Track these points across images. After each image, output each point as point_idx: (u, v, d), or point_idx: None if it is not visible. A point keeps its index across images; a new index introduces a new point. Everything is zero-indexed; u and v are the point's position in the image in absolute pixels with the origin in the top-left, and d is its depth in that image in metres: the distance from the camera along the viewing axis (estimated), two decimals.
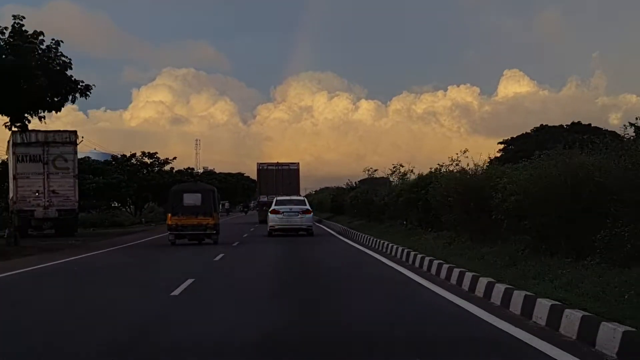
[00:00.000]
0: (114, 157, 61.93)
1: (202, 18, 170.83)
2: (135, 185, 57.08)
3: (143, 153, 61.74)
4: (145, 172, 61.25)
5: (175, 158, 64.46)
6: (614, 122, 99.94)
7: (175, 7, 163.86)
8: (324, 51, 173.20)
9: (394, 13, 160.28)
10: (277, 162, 48.74)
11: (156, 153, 62.68)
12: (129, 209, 61.83)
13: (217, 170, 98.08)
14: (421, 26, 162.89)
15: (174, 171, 66.24)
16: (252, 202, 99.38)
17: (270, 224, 31.47)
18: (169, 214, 25.93)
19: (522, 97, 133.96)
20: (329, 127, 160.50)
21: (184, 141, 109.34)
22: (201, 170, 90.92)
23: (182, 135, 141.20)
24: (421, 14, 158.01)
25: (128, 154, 61.65)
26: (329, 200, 61.72)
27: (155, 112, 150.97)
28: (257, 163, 48.89)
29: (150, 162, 62.43)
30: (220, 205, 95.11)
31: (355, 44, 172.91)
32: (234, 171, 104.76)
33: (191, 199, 25.67)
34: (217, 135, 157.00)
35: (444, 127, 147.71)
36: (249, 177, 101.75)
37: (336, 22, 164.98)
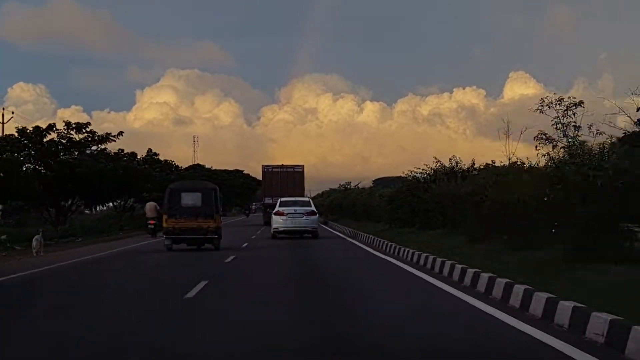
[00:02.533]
0: (21, 130, 38.29)
1: (208, 18, 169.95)
2: (51, 174, 37.88)
3: (68, 124, 39.58)
4: (71, 153, 39.71)
5: (121, 133, 42.38)
6: (622, 124, 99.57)
7: (180, 6, 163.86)
8: (329, 53, 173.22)
9: (399, 15, 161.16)
10: (282, 164, 49.02)
11: (88, 124, 40.64)
12: (46, 214, 40.83)
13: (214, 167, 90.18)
14: (426, 28, 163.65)
15: (138, 158, 49.02)
16: (254, 203, 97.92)
17: (274, 226, 30.84)
18: (165, 216, 23.45)
19: (529, 99, 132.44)
20: (333, 129, 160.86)
21: (188, 143, 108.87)
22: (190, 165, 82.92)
23: (186, 137, 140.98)
24: (426, 15, 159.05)
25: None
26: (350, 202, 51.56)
27: (159, 113, 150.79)
28: (262, 165, 49.35)
29: (82, 140, 40.26)
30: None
31: (361, 45, 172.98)
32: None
33: (190, 198, 23.18)
34: (221, 137, 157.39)
35: (450, 129, 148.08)
36: (248, 174, 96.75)
37: (342, 23, 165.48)
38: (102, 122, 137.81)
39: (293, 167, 48.62)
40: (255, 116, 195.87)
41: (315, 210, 31.87)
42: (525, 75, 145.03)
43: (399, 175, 38.33)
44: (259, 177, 73.66)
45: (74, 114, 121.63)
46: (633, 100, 10.75)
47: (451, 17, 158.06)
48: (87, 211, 55.11)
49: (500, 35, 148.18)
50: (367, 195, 46.03)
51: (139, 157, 49.77)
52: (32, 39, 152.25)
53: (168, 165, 57.92)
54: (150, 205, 34.13)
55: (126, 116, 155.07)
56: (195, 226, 22.84)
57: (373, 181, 57.54)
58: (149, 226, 33.31)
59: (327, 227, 44.12)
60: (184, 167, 72.96)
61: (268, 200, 45.18)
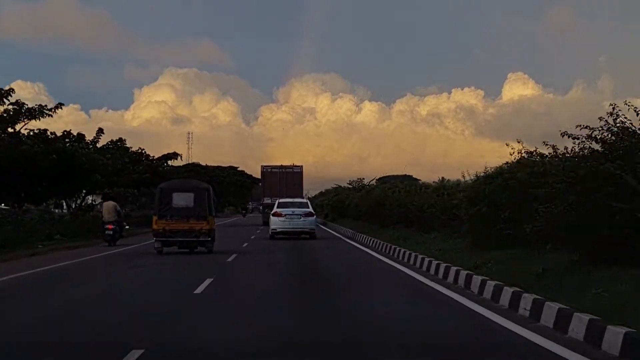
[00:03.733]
0: None
1: (206, 16, 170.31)
2: None
3: None
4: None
5: (61, 105, 32.25)
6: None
7: (178, 4, 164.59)
8: (328, 52, 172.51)
9: (398, 15, 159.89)
10: (281, 165, 49.67)
11: (10, 92, 30.56)
12: None
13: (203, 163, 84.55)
14: (425, 28, 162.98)
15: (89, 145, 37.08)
16: (252, 202, 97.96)
17: (272, 227, 31.12)
18: (155, 217, 22.28)
19: (528, 100, 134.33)
20: (332, 129, 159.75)
21: (186, 142, 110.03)
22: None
23: (185, 136, 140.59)
24: (425, 15, 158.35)
25: None
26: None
27: (157, 112, 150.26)
28: (262, 165, 49.94)
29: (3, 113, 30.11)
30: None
31: (359, 45, 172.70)
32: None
33: (182, 199, 22.22)
34: (219, 136, 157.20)
35: (448, 130, 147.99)
36: (243, 171, 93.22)
37: (340, 23, 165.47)
38: (100, 120, 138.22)
39: (292, 167, 49.32)
40: (253, 115, 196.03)
41: (313, 211, 32.28)
42: (523, 76, 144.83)
43: (403, 174, 38.22)
44: (256, 175, 75.31)
45: (72, 112, 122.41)
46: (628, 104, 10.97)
47: (450, 17, 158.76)
48: (55, 210, 44.06)
49: (499, 36, 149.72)
50: (406, 193, 30.45)
51: (88, 139, 37.29)
52: (30, 36, 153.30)
53: (138, 155, 45.79)
54: (108, 206, 27.94)
55: (124, 115, 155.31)
56: (187, 228, 21.91)
57: (377, 180, 57.70)
58: (107, 232, 27.19)
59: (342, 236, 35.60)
60: (179, 165, 65.42)
61: (267, 201, 45.67)
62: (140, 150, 46.11)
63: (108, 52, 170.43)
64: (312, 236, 30.92)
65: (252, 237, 33.15)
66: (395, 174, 43.74)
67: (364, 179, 59.25)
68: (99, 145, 38.36)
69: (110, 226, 27.23)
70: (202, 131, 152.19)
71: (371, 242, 26.81)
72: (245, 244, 27.31)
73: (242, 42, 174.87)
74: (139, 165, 44.55)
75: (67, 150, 32.87)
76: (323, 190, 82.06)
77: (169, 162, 49.43)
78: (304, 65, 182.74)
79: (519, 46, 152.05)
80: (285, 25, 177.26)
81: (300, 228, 30.99)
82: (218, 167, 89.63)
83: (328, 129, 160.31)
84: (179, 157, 46.45)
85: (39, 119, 31.17)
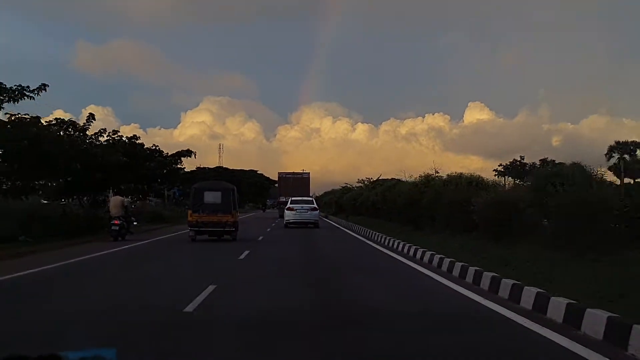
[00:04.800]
0: None
1: (237, 53, 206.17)
2: None
3: None
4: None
5: (45, 86, 25.43)
6: (556, 144, 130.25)
7: (215, 43, 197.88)
8: (330, 85, 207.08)
9: (386, 56, 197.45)
10: (293, 172, 58.51)
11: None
12: None
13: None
14: (405, 66, 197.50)
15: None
16: (269, 200, 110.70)
17: (286, 218, 37.11)
18: (190, 211, 24.79)
19: (484, 123, 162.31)
20: (332, 145, 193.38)
21: (223, 155, 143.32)
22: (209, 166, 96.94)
23: (219, 148, 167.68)
24: (406, 55, 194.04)
25: None
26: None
27: (199, 130, 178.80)
28: (278, 172, 58.85)
29: None
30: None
31: (354, 79, 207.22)
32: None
33: (211, 197, 24.49)
34: (246, 149, 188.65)
35: (422, 146, 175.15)
36: (262, 174, 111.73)
37: (340, 62, 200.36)
38: (154, 136, 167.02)
39: (301, 173, 57.90)
40: (272, 134, 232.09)
41: (317, 207, 38.67)
42: (481, 104, 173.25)
43: (391, 177, 44.51)
44: (273, 178, 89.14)
45: (133, 130, 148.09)
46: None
47: (424, 57, 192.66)
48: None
49: (462, 72, 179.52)
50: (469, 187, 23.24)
51: (81, 124, 31.68)
52: (100, 69, 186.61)
53: (151, 151, 40.77)
54: (115, 201, 26.48)
55: (173, 132, 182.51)
56: (216, 220, 24.22)
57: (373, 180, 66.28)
58: (113, 227, 25.61)
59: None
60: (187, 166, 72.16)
61: (282, 199, 52.94)
62: (154, 147, 41.27)
63: (160, 82, 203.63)
64: (316, 225, 36.95)
65: (272, 225, 39.04)
66: (385, 177, 52.57)
67: (380, 175, 54.76)
68: (89, 132, 32.60)
69: (117, 221, 25.70)
70: (232, 145, 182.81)
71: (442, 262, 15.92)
72: (268, 229, 33.83)
73: (264, 75, 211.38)
74: (152, 161, 40.46)
75: (41, 134, 26.90)
76: (328, 190, 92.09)
77: (182, 160, 43.32)
78: (312, 95, 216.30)
79: (477, 80, 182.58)
80: (298, 62, 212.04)
81: (307, 219, 37.09)
82: (241, 170, 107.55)
83: (330, 144, 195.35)
84: (193, 155, 41.98)
85: (17, 102, 25.25)
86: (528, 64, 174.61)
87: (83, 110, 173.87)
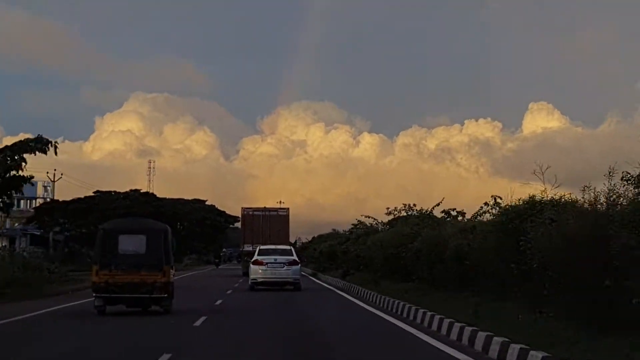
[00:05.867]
0: None
1: (180, 33, 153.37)
2: None
3: None
4: None
5: None
6: None
7: (146, 18, 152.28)
8: (322, 77, 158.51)
9: (404, 36, 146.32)
10: (265, 207, 49.55)
11: None
12: None
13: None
14: (434, 49, 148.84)
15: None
16: (227, 249, 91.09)
17: (252, 276, 30.87)
18: (95, 266, 19.47)
19: (553, 133, 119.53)
20: (325, 165, 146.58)
21: (155, 177, 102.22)
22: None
23: (153, 170, 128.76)
24: (434, 35, 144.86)
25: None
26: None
27: (122, 143, 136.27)
28: (242, 208, 49.36)
29: None
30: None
31: (358, 70, 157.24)
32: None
33: (130, 243, 19.53)
34: (193, 172, 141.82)
35: (460, 167, 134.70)
36: (214, 206, 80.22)
37: (337, 44, 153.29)
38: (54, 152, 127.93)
39: (277, 210, 49.29)
40: (233, 149, 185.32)
41: (297, 259, 32.55)
42: (547, 106, 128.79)
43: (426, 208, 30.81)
44: (234, 214, 67.48)
45: None
46: None
47: (463, 38, 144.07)
48: None
49: (520, 60, 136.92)
50: None
51: None
52: None
53: None
54: None
55: (83, 146, 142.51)
56: (138, 281, 19.09)
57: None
58: None
59: None
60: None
61: (248, 248, 44.50)
62: None
63: (65, 72, 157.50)
64: (297, 287, 30.62)
65: (236, 285, 32.64)
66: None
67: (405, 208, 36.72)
68: None
69: None
70: (173, 166, 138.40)
71: None
72: (219, 301, 24.55)
73: (221, 62, 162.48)
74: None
75: None
76: (325, 234, 69.56)
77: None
78: (295, 91, 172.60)
79: (542, 72, 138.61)
80: (274, 46, 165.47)
81: (284, 278, 30.79)
82: (179, 200, 75.12)
83: (320, 165, 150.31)
84: (29, 182, 31.19)
85: None
86: (620, 46, 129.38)
87: None
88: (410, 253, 24.51)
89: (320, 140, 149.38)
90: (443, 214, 28.67)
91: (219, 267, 69.51)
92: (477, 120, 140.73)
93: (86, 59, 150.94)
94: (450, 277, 20.26)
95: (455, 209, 28.32)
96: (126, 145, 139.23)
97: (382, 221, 39.53)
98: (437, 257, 21.23)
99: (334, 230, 59.39)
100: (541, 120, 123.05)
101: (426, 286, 22.69)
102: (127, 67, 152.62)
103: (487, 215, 20.32)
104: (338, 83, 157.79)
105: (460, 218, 26.91)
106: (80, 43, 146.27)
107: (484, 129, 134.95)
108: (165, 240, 19.60)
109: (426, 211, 30.62)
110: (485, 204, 20.23)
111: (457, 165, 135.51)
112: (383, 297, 22.70)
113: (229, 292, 29.99)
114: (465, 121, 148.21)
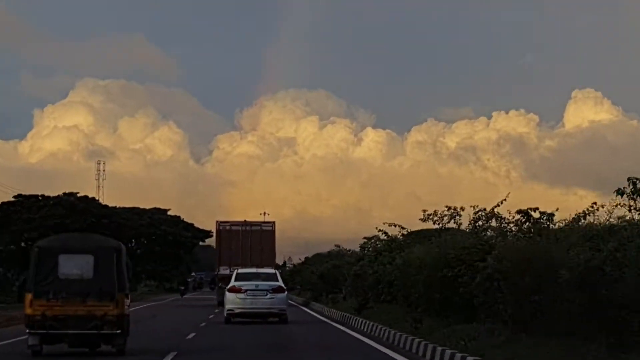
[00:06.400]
0: None
1: (141, 5, 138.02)
2: None
3: None
4: None
5: None
6: None
7: None
8: (314, 61, 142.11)
9: (414, 7, 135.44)
10: (245, 221, 46.82)
11: None
12: None
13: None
14: (454, 27, 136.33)
15: None
16: (196, 274, 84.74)
17: (228, 306, 28.98)
18: (29, 295, 17.45)
19: (602, 127, 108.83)
20: (319, 168, 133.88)
21: (107, 184, 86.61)
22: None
23: (103, 175, 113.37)
24: (454, 10, 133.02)
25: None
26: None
27: (67, 142, 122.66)
28: (217, 222, 46.50)
29: None
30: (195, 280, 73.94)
31: (359, 53, 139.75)
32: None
33: (75, 265, 17.52)
34: (156, 177, 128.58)
35: (488, 170, 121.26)
36: (179, 218, 71.96)
37: (334, 23, 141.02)
38: None
39: (260, 224, 46.98)
40: (205, 148, 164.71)
41: (283, 285, 30.38)
42: (595, 94, 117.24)
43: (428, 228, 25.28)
44: (205, 228, 62.52)
45: None
46: None
47: (490, 15, 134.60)
48: None
49: (560, 39, 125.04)
50: None
51: None
52: None
53: None
54: None
55: (18, 146, 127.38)
56: (84, 313, 17.19)
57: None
58: None
59: None
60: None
61: (224, 271, 41.94)
62: None
63: None
64: (282, 319, 28.92)
65: (211, 317, 31.40)
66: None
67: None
68: None
69: None
70: (130, 170, 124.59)
71: None
72: (192, 334, 22.89)
73: (192, 44, 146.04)
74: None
75: None
76: (322, 253, 62.66)
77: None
78: (281, 79, 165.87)
79: (588, 53, 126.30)
80: (255, 24, 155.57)
81: (267, 308, 29.18)
82: (133, 209, 66.51)
83: (313, 168, 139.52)
84: None
85: None
86: None
87: None
88: (482, 277, 17.59)
89: (313, 138, 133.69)
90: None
91: (184, 296, 61.02)
92: (507, 113, 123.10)
93: (20, 37, 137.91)
94: (566, 317, 14.23)
95: (537, 208, 19.84)
96: (72, 145, 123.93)
97: (402, 233, 31.94)
98: (536, 282, 15.15)
99: (337, 247, 52.95)
100: (587, 111, 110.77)
101: (502, 327, 16.17)
102: (72, 48, 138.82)
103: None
104: (334, 67, 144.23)
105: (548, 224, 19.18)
106: (11, 18, 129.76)
107: (516, 123, 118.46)
108: (119, 261, 17.66)
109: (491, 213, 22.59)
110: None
111: (483, 167, 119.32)
112: (439, 348, 15.62)
113: (189, 336, 23.61)
114: (494, 113, 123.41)
